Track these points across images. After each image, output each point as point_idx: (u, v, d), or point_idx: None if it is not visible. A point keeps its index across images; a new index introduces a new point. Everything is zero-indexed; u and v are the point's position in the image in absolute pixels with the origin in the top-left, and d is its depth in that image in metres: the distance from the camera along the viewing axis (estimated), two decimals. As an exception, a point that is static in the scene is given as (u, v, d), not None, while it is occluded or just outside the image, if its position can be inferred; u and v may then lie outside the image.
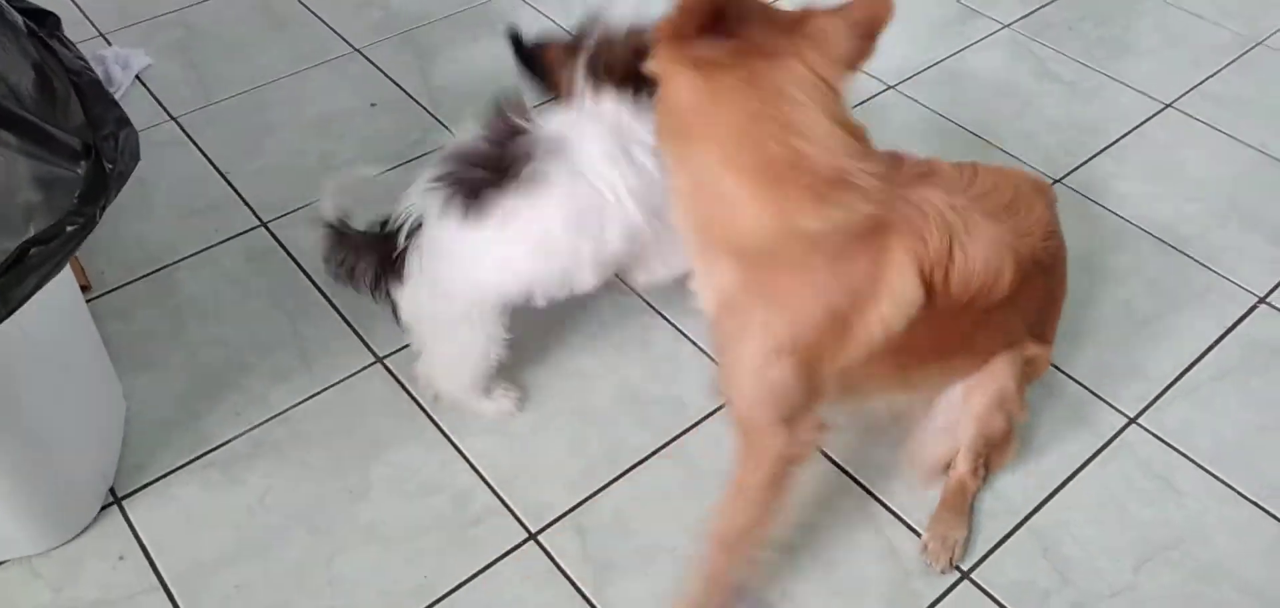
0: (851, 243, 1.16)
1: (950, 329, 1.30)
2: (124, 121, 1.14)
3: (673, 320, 1.80)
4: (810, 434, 1.29)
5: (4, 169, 1.05)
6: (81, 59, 1.18)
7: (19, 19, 1.18)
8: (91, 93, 1.14)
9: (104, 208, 1.08)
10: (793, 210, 1.12)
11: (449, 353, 1.51)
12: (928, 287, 1.19)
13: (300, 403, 1.66)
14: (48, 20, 1.22)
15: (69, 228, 1.05)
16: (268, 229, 1.96)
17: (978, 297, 1.25)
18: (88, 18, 2.50)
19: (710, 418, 1.65)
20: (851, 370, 1.25)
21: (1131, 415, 1.68)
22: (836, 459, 1.60)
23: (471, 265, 1.41)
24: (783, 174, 1.11)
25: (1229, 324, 1.84)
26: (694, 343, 1.77)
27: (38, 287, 1.05)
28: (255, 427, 1.62)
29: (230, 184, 2.06)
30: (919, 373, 1.39)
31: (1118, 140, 2.24)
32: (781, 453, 1.27)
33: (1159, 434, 1.65)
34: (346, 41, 2.45)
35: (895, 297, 1.19)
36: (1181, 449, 1.63)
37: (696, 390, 1.69)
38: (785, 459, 1.28)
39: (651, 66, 1.16)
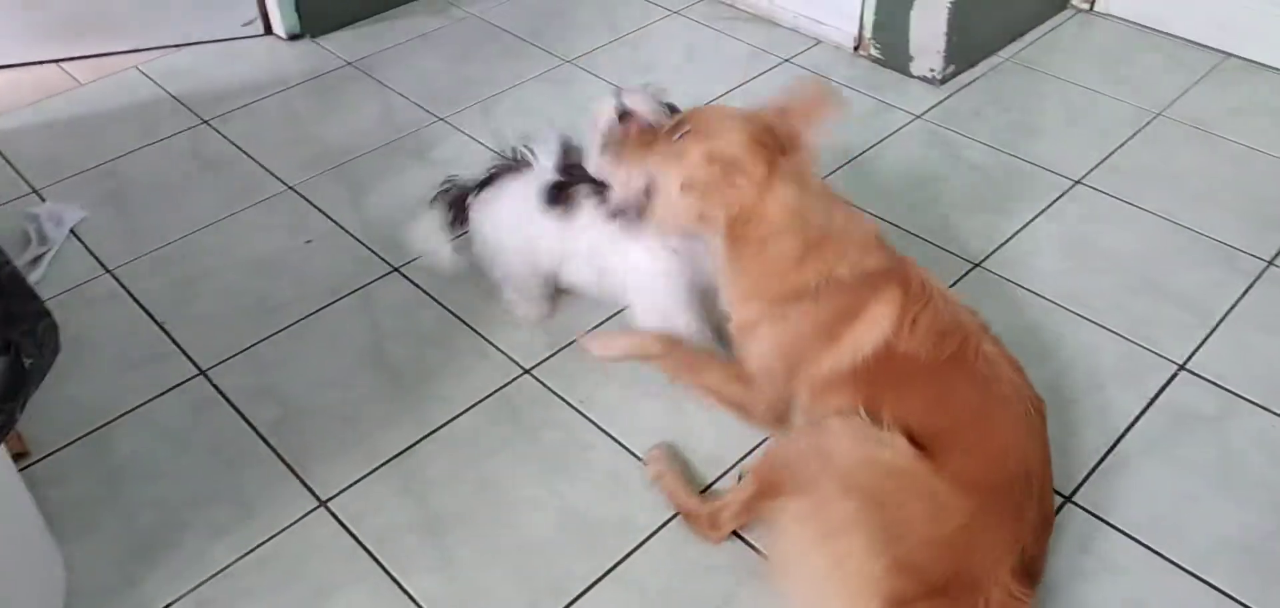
0: (860, 282, 1.58)
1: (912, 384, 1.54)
2: (43, 314, 1.15)
3: (616, 436, 1.83)
4: (778, 411, 1.68)
5: (-77, 373, 1.05)
6: (1, 254, 1.19)
7: (-63, 218, 1.20)
8: (10, 286, 1.15)
9: (24, 404, 1.08)
10: (828, 266, 1.60)
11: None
12: (897, 325, 1.55)
13: (242, 557, 1.64)
14: (-34, 216, 1.24)
15: (-11, 427, 1.06)
16: (206, 377, 1.96)
17: (934, 357, 1.53)
18: (20, 175, 2.51)
19: (656, 536, 1.66)
20: (825, 379, 1.58)
21: (1066, 495, 1.72)
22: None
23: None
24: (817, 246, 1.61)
25: (1152, 395, 1.90)
26: (636, 456, 1.79)
27: (-41, 490, 1.05)
28: (196, 586, 1.60)
29: (168, 334, 2.06)
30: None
31: (1031, 221, 2.32)
32: (760, 404, 1.69)
33: (1093, 511, 1.69)
34: (279, 179, 2.48)
35: (872, 320, 1.55)
36: (1117, 525, 1.67)
37: (641, 508, 1.71)
38: (763, 408, 1.70)
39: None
